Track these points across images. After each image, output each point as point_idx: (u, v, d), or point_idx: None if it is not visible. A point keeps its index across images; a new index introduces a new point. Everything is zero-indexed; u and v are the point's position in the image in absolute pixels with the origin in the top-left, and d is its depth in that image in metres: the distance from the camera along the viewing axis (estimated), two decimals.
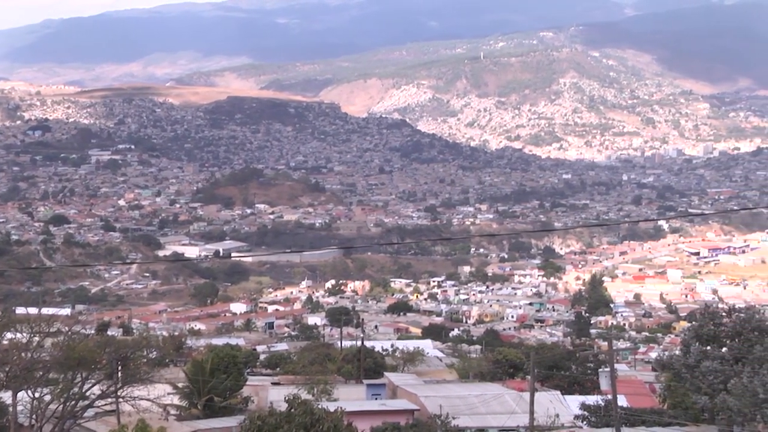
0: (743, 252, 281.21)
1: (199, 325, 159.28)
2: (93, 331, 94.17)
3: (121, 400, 48.18)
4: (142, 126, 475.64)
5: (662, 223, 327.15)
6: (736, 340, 39.44)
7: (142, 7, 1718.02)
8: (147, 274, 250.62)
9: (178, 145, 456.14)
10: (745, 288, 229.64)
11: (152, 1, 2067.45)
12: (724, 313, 41.14)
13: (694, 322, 46.86)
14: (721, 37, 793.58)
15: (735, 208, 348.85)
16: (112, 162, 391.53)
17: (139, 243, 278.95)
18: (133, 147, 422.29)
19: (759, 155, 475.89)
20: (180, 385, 56.45)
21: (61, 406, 45.41)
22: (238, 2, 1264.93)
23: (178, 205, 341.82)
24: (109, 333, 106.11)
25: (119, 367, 49.08)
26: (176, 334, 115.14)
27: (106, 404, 48.75)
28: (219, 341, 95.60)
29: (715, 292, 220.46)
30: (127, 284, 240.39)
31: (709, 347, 39.82)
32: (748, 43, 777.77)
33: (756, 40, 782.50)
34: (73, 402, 45.92)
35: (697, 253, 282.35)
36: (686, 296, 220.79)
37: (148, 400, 48.73)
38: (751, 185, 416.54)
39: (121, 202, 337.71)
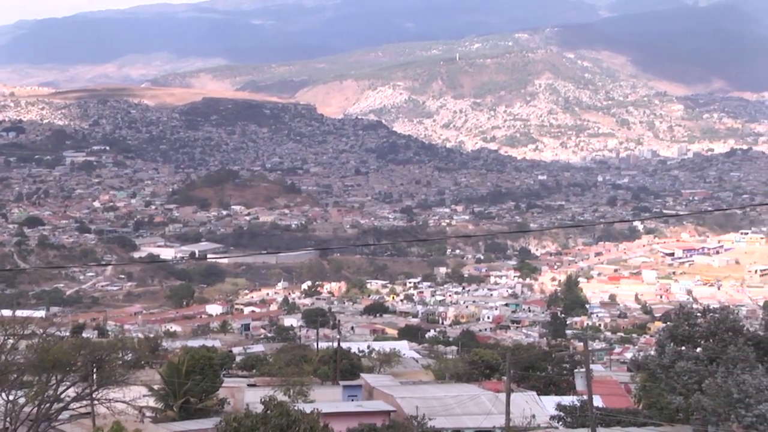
0: (717, 253, 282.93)
1: (174, 327, 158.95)
2: (68, 333, 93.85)
3: (96, 402, 47.92)
4: (117, 127, 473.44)
5: (637, 224, 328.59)
6: (711, 340, 39.58)
7: (117, 8, 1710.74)
8: (122, 276, 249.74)
9: (154, 146, 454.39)
10: (719, 288, 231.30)
11: (127, 1, 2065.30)
12: (698, 314, 41.27)
13: (668, 323, 46.96)
14: (695, 38, 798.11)
15: (709, 209, 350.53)
16: (86, 163, 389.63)
17: (114, 245, 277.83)
18: (107, 148, 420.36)
19: (732, 156, 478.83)
20: (156, 387, 56.28)
21: (36, 408, 45.11)
22: (214, 3, 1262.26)
23: (153, 207, 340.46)
24: (84, 335, 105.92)
25: (94, 370, 48.81)
26: (152, 335, 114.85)
27: (81, 407, 48.45)
28: (195, 343, 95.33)
29: (689, 292, 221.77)
30: (102, 286, 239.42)
31: (683, 347, 39.95)
32: (722, 44, 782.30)
33: (729, 42, 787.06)
34: (47, 404, 45.63)
35: (672, 254, 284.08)
36: (661, 297, 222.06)
37: (123, 402, 48.52)
38: (724, 186, 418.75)
39: (96, 204, 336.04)
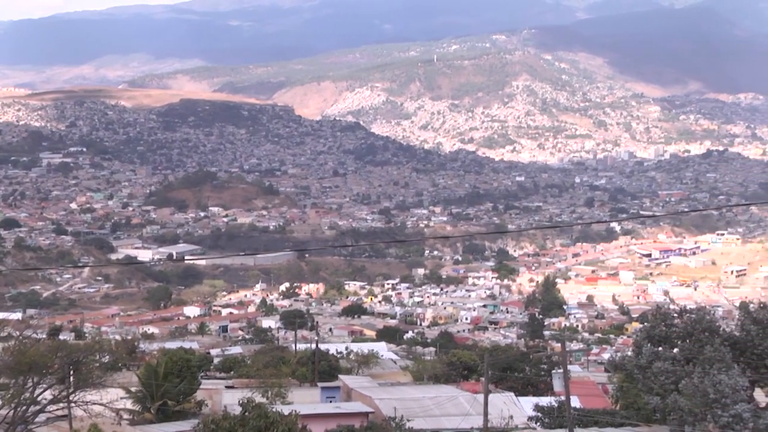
0: (694, 253, 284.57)
1: (152, 329, 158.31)
2: (44, 336, 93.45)
3: (73, 404, 47.62)
4: (94, 129, 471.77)
5: (614, 225, 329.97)
6: (687, 340, 39.69)
7: (94, 9, 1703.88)
8: (99, 278, 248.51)
9: (131, 147, 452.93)
10: (695, 289, 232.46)
11: (104, 2, 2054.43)
12: (675, 314, 41.38)
13: (645, 323, 47.18)
14: (671, 40, 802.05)
15: (685, 210, 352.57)
16: (63, 165, 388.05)
17: (91, 246, 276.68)
18: (84, 150, 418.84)
19: (709, 157, 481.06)
20: (133, 389, 56.06)
21: (12, 411, 44.84)
22: (191, 4, 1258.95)
23: (130, 208, 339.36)
24: (61, 337, 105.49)
25: (71, 372, 48.53)
26: (129, 337, 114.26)
27: (57, 409, 48.15)
28: (172, 345, 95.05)
29: (666, 293, 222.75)
30: (79, 288, 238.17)
31: (660, 348, 40.05)
32: (698, 46, 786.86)
33: (705, 44, 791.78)
34: (24, 407, 45.33)
35: (649, 255, 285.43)
36: (638, 297, 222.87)
37: (100, 404, 48.22)
38: (701, 187, 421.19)
39: (73, 206, 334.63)
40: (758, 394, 41.49)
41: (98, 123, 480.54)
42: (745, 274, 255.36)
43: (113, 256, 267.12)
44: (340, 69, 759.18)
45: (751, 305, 43.63)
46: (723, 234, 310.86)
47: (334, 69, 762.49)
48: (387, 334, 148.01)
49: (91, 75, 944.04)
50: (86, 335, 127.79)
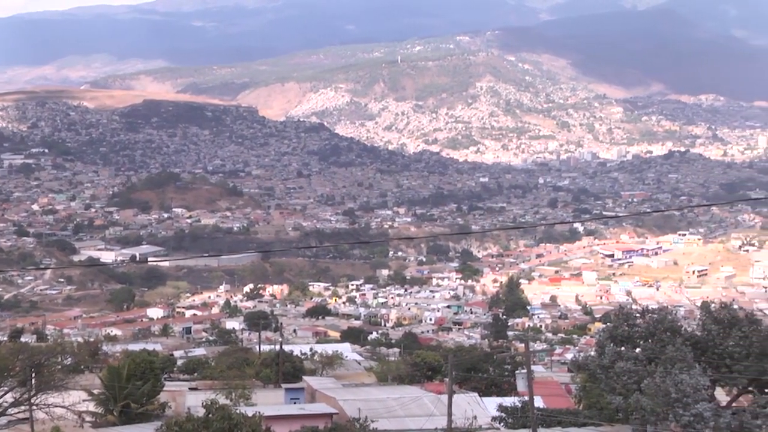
0: (656, 254, 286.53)
1: (115, 331, 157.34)
2: (6, 338, 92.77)
3: (34, 407, 47.31)
4: (56, 130, 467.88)
5: (577, 225, 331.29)
6: (650, 340, 39.94)
7: (56, 9, 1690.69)
8: (62, 280, 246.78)
9: (94, 149, 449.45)
10: (657, 289, 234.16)
11: (66, 2, 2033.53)
12: (637, 314, 41.64)
13: (608, 323, 47.48)
14: (633, 42, 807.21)
15: (648, 210, 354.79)
16: (25, 166, 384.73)
17: (53, 248, 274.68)
18: (46, 151, 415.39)
19: (670, 158, 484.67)
20: (96, 391, 55.68)
21: None
22: (154, 5, 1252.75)
23: (93, 210, 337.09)
24: (23, 339, 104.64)
25: (33, 374, 48.20)
26: (92, 340, 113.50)
27: (19, 412, 47.83)
28: (135, 347, 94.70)
29: (629, 293, 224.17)
30: (41, 290, 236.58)
31: (623, 348, 40.30)
32: (660, 48, 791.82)
33: (667, 46, 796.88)
34: None
35: (612, 255, 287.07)
36: (601, 298, 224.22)
37: (62, 407, 47.93)
38: (663, 188, 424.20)
39: (35, 207, 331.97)
40: (719, 393, 41.87)
41: (60, 124, 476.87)
42: (706, 274, 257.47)
43: (76, 258, 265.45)
44: (304, 70, 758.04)
45: (713, 305, 43.91)
46: (685, 234, 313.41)
47: (298, 70, 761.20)
48: (351, 335, 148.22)
49: (53, 75, 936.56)
50: (48, 337, 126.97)
